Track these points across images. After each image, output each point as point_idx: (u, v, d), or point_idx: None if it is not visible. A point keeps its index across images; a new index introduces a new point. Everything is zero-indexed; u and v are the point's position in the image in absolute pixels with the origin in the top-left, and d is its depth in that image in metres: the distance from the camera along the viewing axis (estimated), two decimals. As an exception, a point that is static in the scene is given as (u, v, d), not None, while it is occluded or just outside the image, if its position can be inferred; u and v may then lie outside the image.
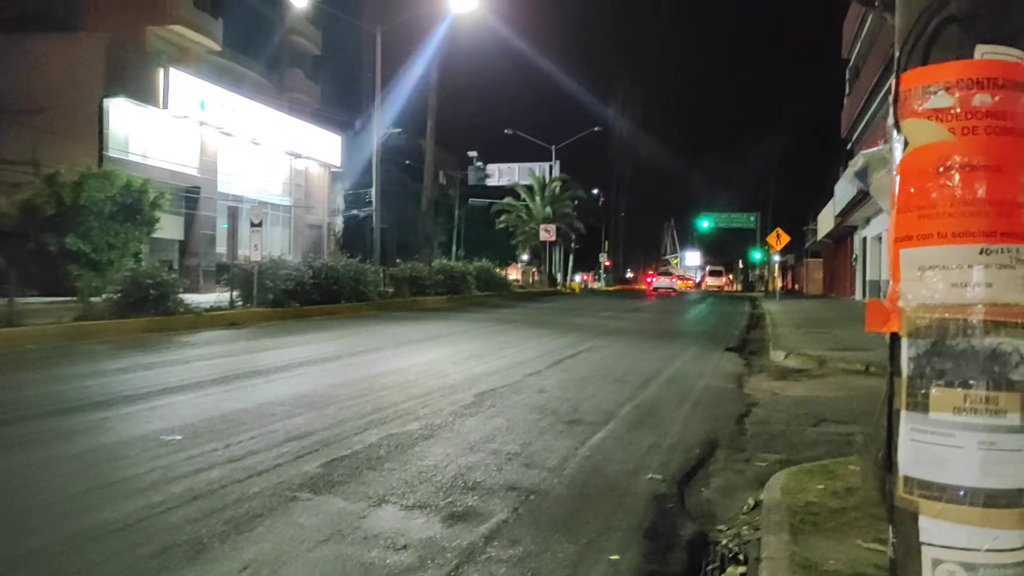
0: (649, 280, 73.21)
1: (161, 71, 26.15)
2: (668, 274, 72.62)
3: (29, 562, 3.17)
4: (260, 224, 18.34)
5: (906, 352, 1.89)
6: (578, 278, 68.15)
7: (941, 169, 1.83)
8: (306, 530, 3.57)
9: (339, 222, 41.23)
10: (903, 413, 1.89)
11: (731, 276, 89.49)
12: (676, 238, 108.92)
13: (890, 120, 1.96)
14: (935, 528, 1.81)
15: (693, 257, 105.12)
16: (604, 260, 76.97)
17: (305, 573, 3.12)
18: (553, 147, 54.60)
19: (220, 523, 3.61)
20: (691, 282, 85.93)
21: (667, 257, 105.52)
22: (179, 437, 5.32)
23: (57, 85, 24.09)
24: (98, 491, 4.09)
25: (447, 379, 8.39)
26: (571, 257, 64.10)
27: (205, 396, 7.05)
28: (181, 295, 14.92)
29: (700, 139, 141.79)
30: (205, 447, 5.05)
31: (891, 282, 1.94)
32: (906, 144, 1.90)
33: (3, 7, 24.16)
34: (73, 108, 23.90)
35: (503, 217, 55.28)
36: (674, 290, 59.03)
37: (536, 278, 56.93)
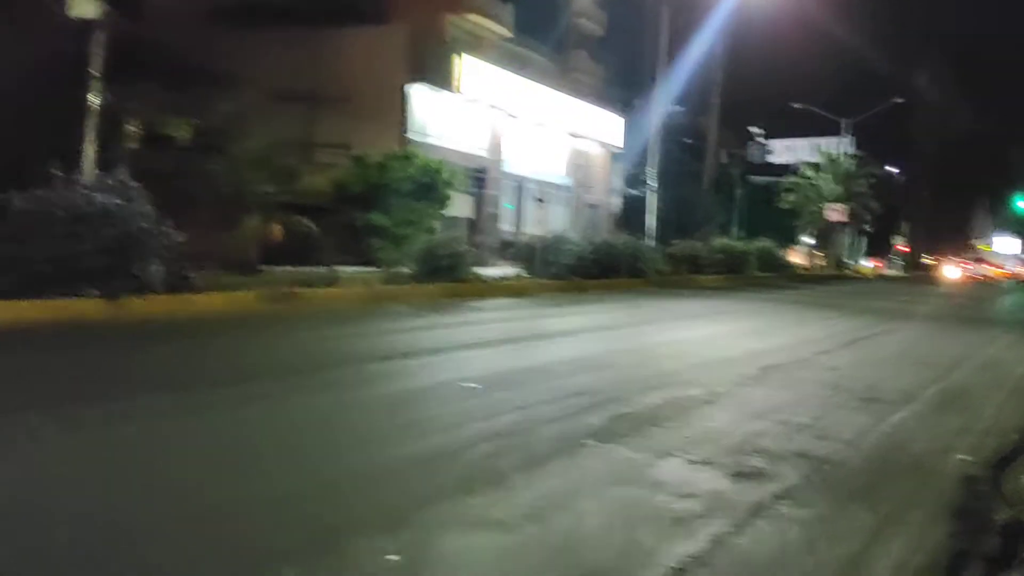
0: (959, 267, 66.81)
1: (456, 58, 27.83)
2: (980, 260, 66.09)
3: (345, 484, 3.49)
4: (543, 202, 19.03)
5: None
6: (869, 263, 63.49)
7: None
8: (594, 472, 3.69)
9: (617, 201, 41.60)
10: None
11: (1059, 266, 78.37)
12: (992, 221, 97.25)
13: None
14: None
15: (1010, 244, 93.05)
16: (900, 244, 70.89)
17: (598, 507, 3.24)
18: (846, 121, 50.98)
19: (515, 460, 3.80)
20: (1007, 272, 76.13)
21: (973, 242, 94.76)
22: (478, 385, 5.68)
23: (365, 74, 26.34)
24: (403, 428, 4.47)
25: (728, 352, 8.22)
26: (863, 239, 59.80)
27: (496, 352, 7.50)
28: (471, 267, 15.88)
29: (1020, 110, 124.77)
30: (496, 396, 5.36)
31: None
32: None
33: (318, 4, 26.81)
34: (378, 95, 26.07)
35: (791, 197, 52.53)
36: (985, 276, 53.58)
37: (821, 261, 53.72)
